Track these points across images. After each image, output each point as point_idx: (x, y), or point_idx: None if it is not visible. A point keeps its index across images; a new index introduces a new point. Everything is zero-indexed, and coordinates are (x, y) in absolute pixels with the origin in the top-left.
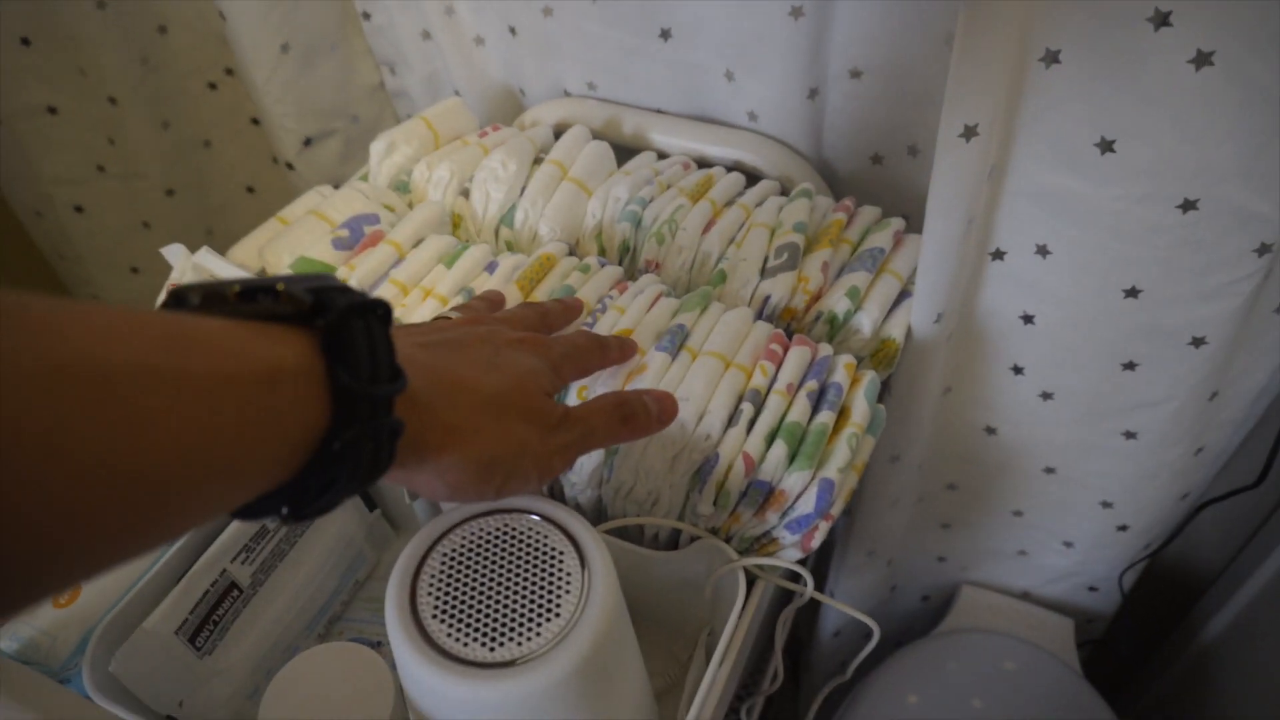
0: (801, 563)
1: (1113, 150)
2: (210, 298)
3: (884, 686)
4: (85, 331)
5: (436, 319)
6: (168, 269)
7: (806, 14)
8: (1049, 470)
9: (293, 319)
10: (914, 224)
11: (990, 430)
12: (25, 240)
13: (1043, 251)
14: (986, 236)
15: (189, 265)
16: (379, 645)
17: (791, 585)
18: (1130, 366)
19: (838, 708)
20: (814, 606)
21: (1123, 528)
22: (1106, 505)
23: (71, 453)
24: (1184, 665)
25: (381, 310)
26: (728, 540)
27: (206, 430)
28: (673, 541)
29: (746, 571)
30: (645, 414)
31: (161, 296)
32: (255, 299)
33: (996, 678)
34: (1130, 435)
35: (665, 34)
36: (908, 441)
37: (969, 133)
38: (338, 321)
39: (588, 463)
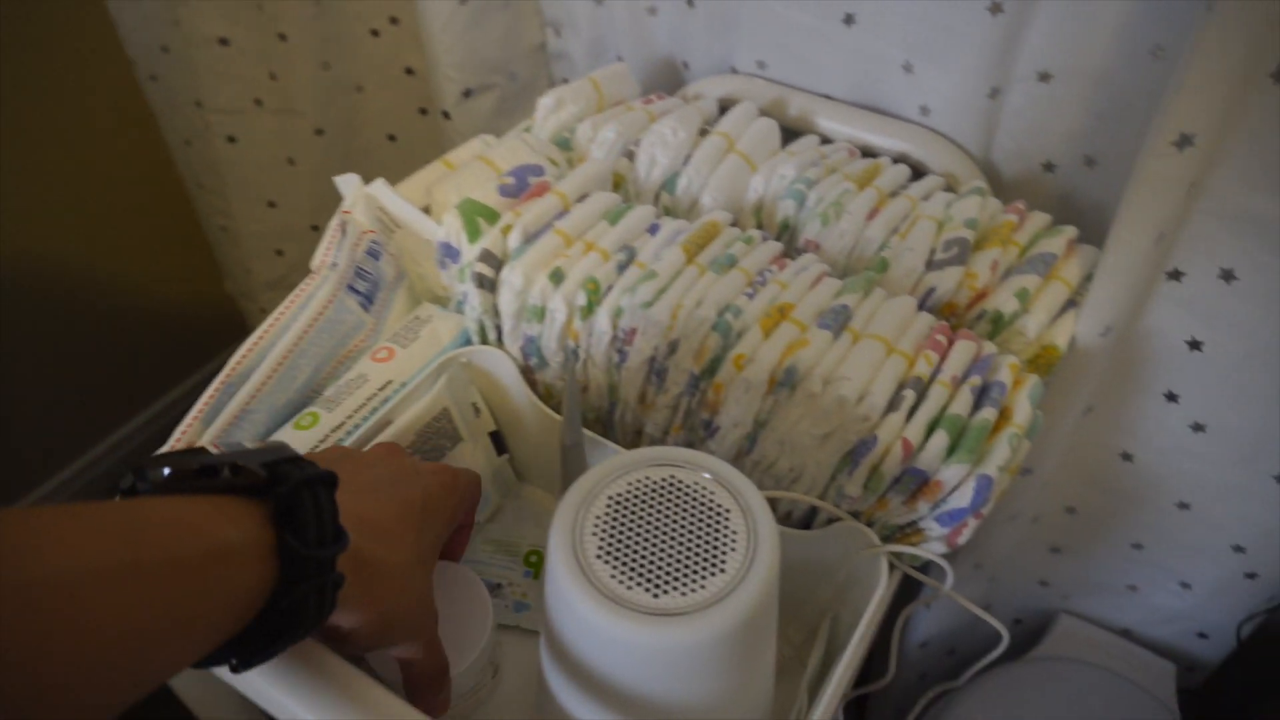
0: (946, 558)
1: None
2: (174, 474)
3: (962, 706)
4: (54, 544)
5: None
6: (303, 204)
7: (1006, 11)
8: (1182, 506)
9: (248, 490)
10: (1082, 236)
11: (1127, 456)
12: (169, 169)
13: (1227, 276)
14: (1166, 255)
15: (361, 195)
16: (498, 587)
17: (927, 580)
18: None
19: None
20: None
21: (1251, 575)
22: (1239, 550)
23: (41, 660)
24: None
25: (329, 479)
26: (868, 526)
27: (158, 610)
28: (805, 521)
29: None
30: None
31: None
32: (215, 474)
33: (1082, 711)
34: None
35: (849, 19)
36: (1042, 455)
37: (1184, 141)
38: (290, 495)
39: (730, 432)
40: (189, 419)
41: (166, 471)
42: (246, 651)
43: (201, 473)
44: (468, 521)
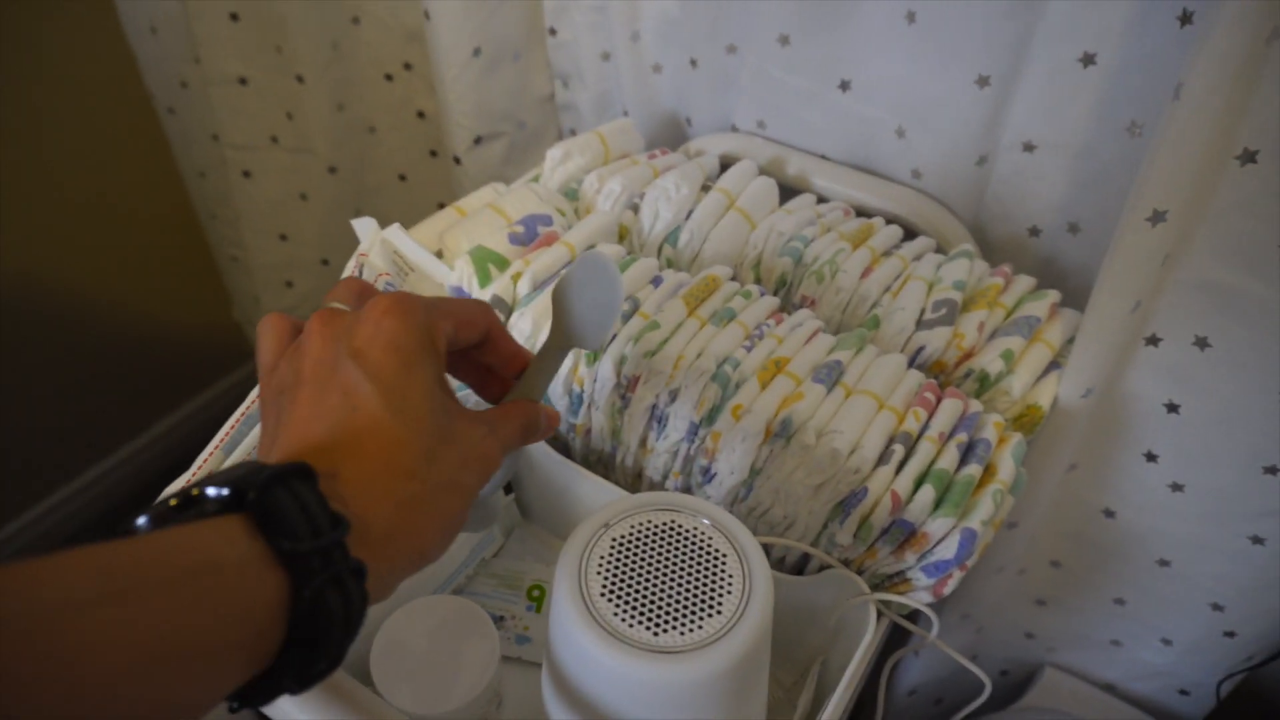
0: (932, 608)
1: None
2: (156, 518)
3: None
4: (26, 582)
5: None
6: (314, 239)
7: (993, 85)
8: (1163, 563)
9: (225, 509)
10: (1065, 299)
11: (1109, 513)
12: (181, 198)
13: (1201, 344)
14: (1144, 322)
15: (378, 239)
16: (500, 620)
17: (914, 628)
18: (1273, 471)
19: None
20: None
21: (1230, 634)
22: (1217, 608)
23: (18, 702)
24: None
25: (300, 470)
26: (858, 574)
27: (151, 632)
28: (797, 568)
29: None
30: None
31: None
32: (192, 503)
33: None
34: (1258, 540)
35: (845, 85)
36: (1028, 510)
37: (1157, 217)
38: (260, 497)
39: (727, 479)
40: (209, 449)
41: (142, 520)
42: (296, 668)
43: (181, 506)
44: (465, 331)
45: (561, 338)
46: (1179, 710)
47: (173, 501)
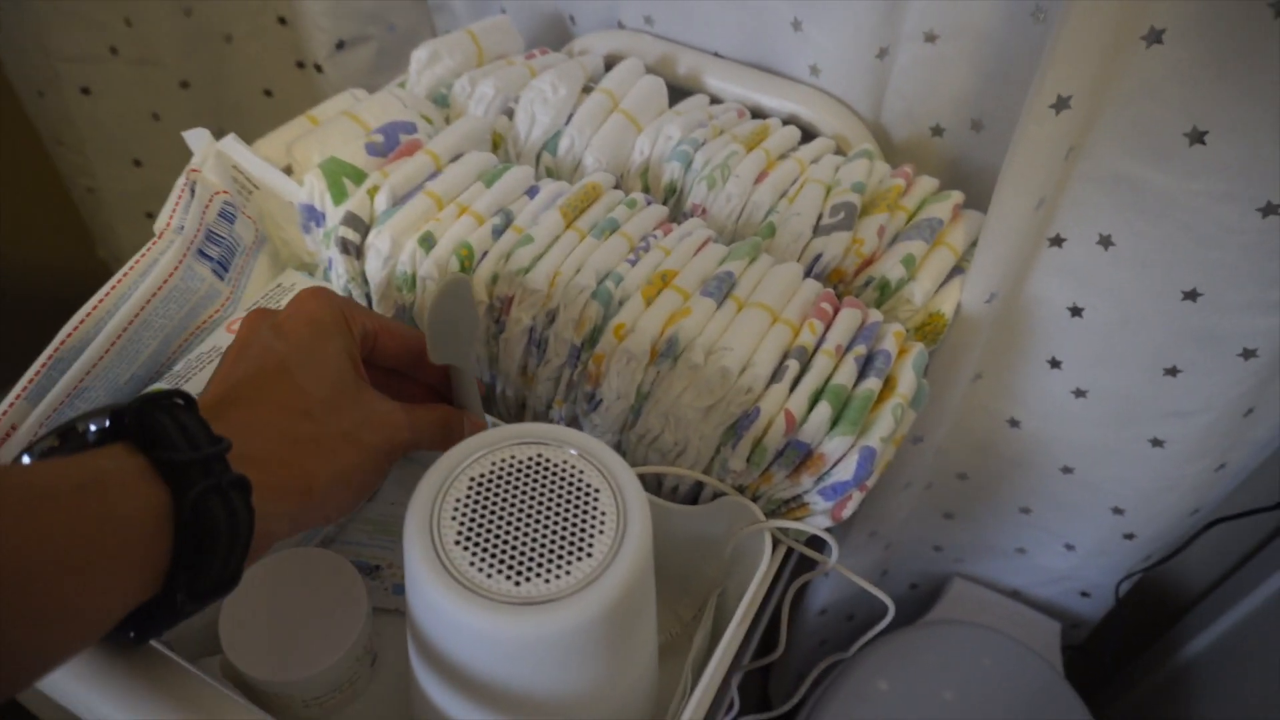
0: (829, 532)
1: (1203, 142)
2: (39, 456)
3: (858, 671)
4: None
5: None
6: (173, 163)
7: None
8: (1066, 470)
9: (106, 440)
10: (968, 201)
11: (1014, 423)
12: (24, 123)
13: (1105, 242)
14: (1048, 221)
15: (212, 152)
16: (376, 569)
17: (814, 554)
18: (1173, 372)
19: (814, 687)
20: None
21: (1129, 536)
22: (1118, 512)
23: None
24: (1162, 679)
25: (180, 398)
26: (754, 500)
27: (36, 544)
28: (692, 496)
29: (772, 535)
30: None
31: None
32: (73, 435)
33: (973, 672)
34: (1157, 443)
35: None
36: (933, 423)
37: (1061, 104)
38: (137, 420)
39: (613, 405)
40: (10, 398)
41: (26, 458)
42: (187, 583)
43: (63, 443)
44: (388, 340)
45: (439, 355)
46: (1080, 611)
47: (54, 441)
